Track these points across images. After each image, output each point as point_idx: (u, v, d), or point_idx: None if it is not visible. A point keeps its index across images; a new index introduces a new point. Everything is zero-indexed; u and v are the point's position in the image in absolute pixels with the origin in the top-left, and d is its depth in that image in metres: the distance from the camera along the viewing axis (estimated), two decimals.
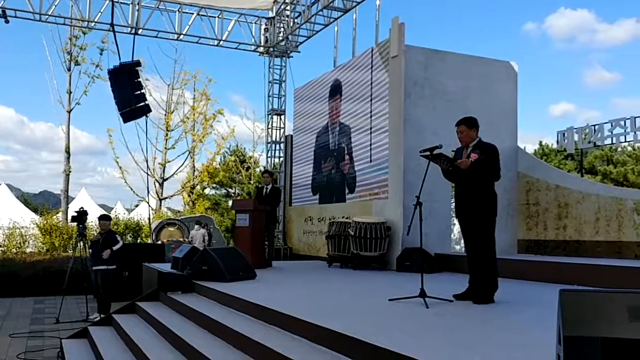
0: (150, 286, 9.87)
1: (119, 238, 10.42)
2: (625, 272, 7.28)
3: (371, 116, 11.86)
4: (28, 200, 44.22)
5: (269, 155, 17.32)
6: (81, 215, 10.68)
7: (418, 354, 3.41)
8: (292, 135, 16.46)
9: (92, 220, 15.73)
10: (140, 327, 7.35)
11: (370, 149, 11.85)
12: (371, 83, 11.94)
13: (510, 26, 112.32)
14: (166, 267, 10.00)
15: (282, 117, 17.22)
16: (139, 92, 13.36)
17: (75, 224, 10.82)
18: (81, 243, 10.66)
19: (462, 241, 12.24)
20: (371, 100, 11.89)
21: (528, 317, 5.24)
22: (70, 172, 25.15)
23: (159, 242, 16.84)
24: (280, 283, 8.47)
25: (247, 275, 8.38)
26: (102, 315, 9.61)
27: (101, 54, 24.50)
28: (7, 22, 14.04)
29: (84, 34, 23.83)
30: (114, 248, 10.09)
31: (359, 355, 3.90)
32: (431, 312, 5.23)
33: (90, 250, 10.43)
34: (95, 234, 11.61)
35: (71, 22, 16.48)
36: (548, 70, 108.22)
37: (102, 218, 10.95)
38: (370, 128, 11.86)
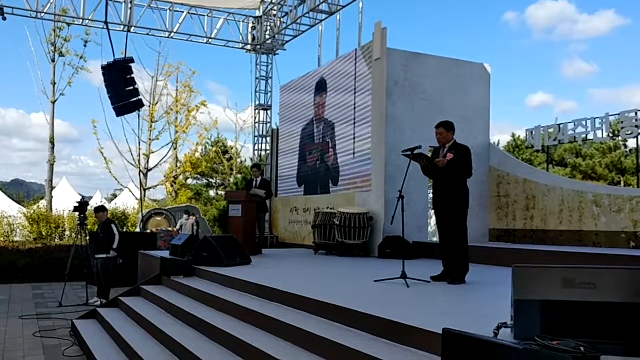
0: (146, 272, 10.56)
1: (115, 229, 10.87)
2: (584, 257, 8.18)
3: (354, 115, 12.66)
4: (1, 190, 43.97)
5: (256, 148, 18.07)
6: (82, 206, 11.30)
7: (402, 319, 4.24)
8: (277, 129, 17.21)
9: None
10: (147, 307, 8.05)
11: (354, 142, 12.66)
12: (354, 82, 12.73)
13: (489, 15, 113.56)
14: (161, 254, 10.66)
15: (269, 111, 17.96)
16: (131, 87, 13.86)
17: (77, 213, 11.39)
18: (82, 232, 11.26)
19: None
20: (354, 98, 12.69)
21: (493, 293, 6.10)
22: (54, 162, 25.48)
23: (148, 231, 17.47)
24: (273, 267, 9.22)
25: (243, 261, 9.15)
26: (102, 300, 10.27)
27: (85, 46, 24.84)
28: (4, 19, 14.50)
29: (68, 25, 24.09)
30: (114, 246, 10.66)
31: (354, 322, 4.71)
32: (411, 290, 6.07)
33: (88, 239, 11.07)
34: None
35: (57, 19, 16.91)
36: (526, 61, 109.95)
37: (97, 210, 11.47)
38: (354, 121, 12.66)
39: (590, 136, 11.25)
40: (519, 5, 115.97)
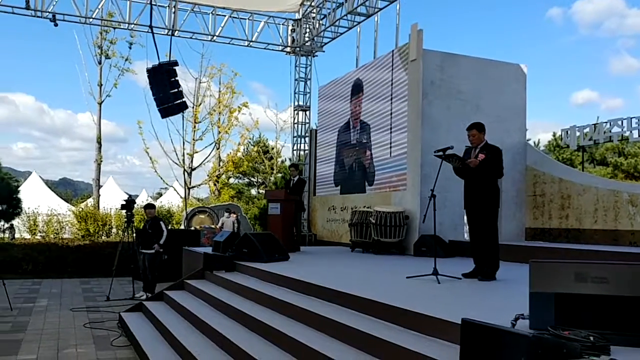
0: (190, 267, 11.00)
1: (163, 227, 11.37)
2: (618, 256, 8.24)
3: (391, 115, 12.88)
4: (51, 189, 45.42)
5: (295, 148, 18.44)
6: (130, 204, 11.84)
7: (428, 312, 4.50)
8: (316, 130, 17.54)
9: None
10: (191, 300, 8.46)
11: (390, 147, 12.87)
12: (391, 83, 12.95)
13: (533, 12, 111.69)
14: (204, 250, 11.08)
15: (307, 112, 18.31)
16: (176, 90, 14.32)
17: (124, 211, 11.90)
18: (128, 229, 11.77)
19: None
20: (391, 99, 12.91)
21: (519, 289, 6.19)
22: (101, 161, 26.23)
23: (192, 228, 18.01)
24: (311, 264, 9.51)
25: (282, 257, 9.49)
26: (148, 294, 10.75)
27: (130, 48, 25.53)
28: (56, 25, 15.16)
29: (114, 28, 24.78)
30: (161, 242, 11.13)
31: (383, 315, 5.00)
32: (442, 286, 6.30)
33: (135, 235, 11.58)
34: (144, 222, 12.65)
35: (104, 23, 17.52)
36: (572, 57, 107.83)
37: (147, 207, 12.00)
38: (391, 127, 12.88)
39: (628, 135, 11.23)
40: (564, 0, 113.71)
